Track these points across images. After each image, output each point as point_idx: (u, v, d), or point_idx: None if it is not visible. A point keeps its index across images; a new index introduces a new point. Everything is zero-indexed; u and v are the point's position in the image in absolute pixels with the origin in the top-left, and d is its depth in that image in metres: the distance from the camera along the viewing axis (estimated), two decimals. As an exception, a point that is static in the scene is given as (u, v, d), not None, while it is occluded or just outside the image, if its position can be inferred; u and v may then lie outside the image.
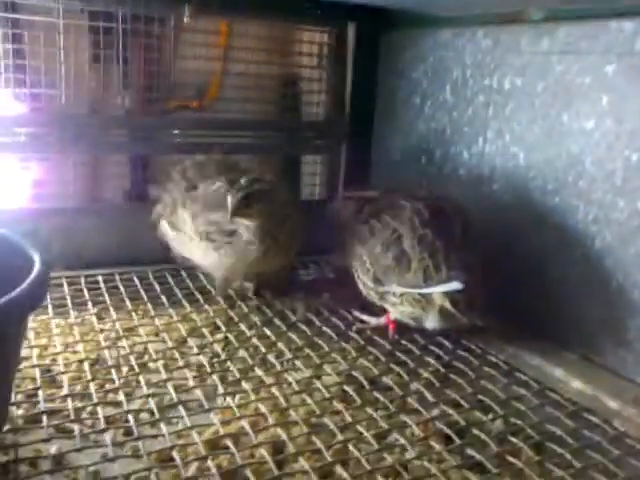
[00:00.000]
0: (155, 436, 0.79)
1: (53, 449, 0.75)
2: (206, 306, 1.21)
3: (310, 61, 1.58)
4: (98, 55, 1.35)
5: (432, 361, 1.04)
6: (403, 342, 1.11)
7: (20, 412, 0.82)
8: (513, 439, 0.83)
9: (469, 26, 1.26)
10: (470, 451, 0.80)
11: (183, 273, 1.34)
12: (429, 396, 0.92)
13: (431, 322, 1.05)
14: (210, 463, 0.74)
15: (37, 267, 0.69)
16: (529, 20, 1.13)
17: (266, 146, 1.55)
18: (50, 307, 1.12)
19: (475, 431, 0.84)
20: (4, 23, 1.23)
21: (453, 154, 1.32)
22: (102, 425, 0.80)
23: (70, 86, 1.28)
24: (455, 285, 0.99)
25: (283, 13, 1.46)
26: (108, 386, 0.91)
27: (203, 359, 1.00)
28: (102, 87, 1.46)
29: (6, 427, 0.77)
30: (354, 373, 0.98)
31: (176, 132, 1.43)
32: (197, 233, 1.16)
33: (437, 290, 1.00)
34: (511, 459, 0.78)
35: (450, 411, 0.88)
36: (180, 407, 0.86)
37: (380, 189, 1.24)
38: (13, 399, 0.83)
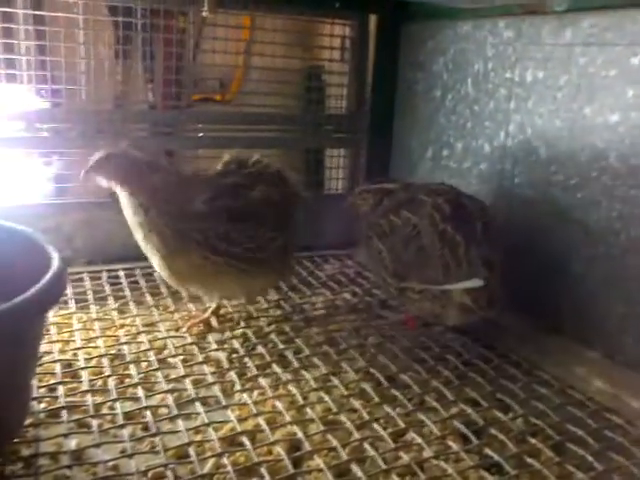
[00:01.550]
0: (173, 432, 0.80)
1: (73, 444, 0.76)
2: (225, 301, 1.21)
3: (333, 54, 1.58)
4: (120, 50, 1.36)
5: (451, 358, 1.03)
6: (422, 339, 1.10)
7: (42, 406, 0.84)
8: (532, 439, 0.82)
9: (490, 17, 1.23)
10: (488, 451, 0.79)
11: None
12: (448, 394, 0.92)
13: (451, 319, 1.04)
14: (226, 460, 0.74)
15: (54, 265, 0.70)
16: (552, 10, 1.11)
17: (289, 140, 1.55)
18: (72, 302, 1.14)
19: (494, 431, 0.83)
20: (26, 19, 1.25)
21: (474, 148, 1.30)
22: (121, 420, 0.81)
23: (91, 81, 1.29)
24: (476, 282, 0.98)
25: (303, 6, 1.45)
26: (127, 381, 0.92)
27: (221, 355, 1.00)
28: (125, 82, 1.47)
29: (28, 421, 0.79)
30: (372, 370, 0.98)
31: (199, 126, 1.43)
32: None
33: (457, 287, 0.99)
34: (530, 460, 0.77)
35: (469, 410, 0.87)
36: (198, 403, 0.86)
37: (399, 181, 1.23)
38: (35, 393, 0.85)
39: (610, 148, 1.02)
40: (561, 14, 1.09)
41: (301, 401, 0.88)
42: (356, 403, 0.88)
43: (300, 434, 0.80)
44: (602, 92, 1.02)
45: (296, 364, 0.99)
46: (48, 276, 0.66)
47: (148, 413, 0.83)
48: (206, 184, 1.05)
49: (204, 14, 1.29)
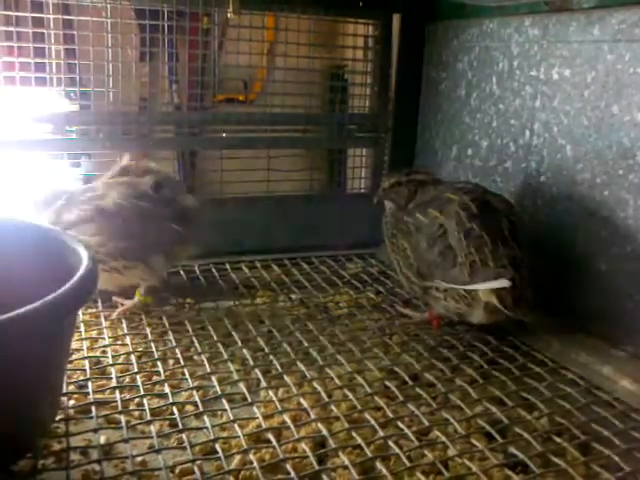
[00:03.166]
0: (199, 428, 0.81)
1: (102, 439, 0.78)
2: (250, 300, 1.22)
3: (356, 54, 1.58)
4: (146, 53, 1.38)
5: (476, 357, 1.03)
6: (447, 337, 1.10)
7: (72, 402, 0.86)
8: (558, 439, 0.81)
9: (516, 15, 1.22)
10: (513, 450, 0.78)
11: (228, 267, 1.36)
12: (472, 393, 0.91)
13: (476, 318, 1.04)
14: (252, 456, 0.75)
15: (84, 264, 0.71)
16: (579, 7, 1.10)
17: (313, 140, 1.56)
18: (100, 300, 1.16)
19: (518, 429, 0.83)
20: (56, 24, 1.27)
21: (499, 146, 1.29)
22: (148, 417, 0.82)
23: (118, 84, 1.31)
24: (502, 282, 0.97)
25: (326, 6, 1.45)
26: (155, 378, 0.93)
27: (247, 353, 1.01)
28: (151, 84, 1.49)
29: (59, 417, 0.81)
30: (396, 369, 0.98)
31: (223, 127, 1.44)
32: None
33: (483, 287, 0.99)
34: (555, 459, 0.77)
35: (493, 409, 0.87)
36: (224, 400, 0.87)
37: (427, 170, 1.22)
38: (65, 390, 0.86)
39: (637, 146, 1.00)
40: (588, 11, 1.08)
41: (326, 399, 0.88)
42: (380, 401, 0.89)
43: (325, 431, 0.80)
44: (630, 89, 1.01)
45: (321, 362, 0.99)
46: (79, 275, 0.68)
47: (175, 410, 0.84)
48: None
49: (228, 15, 1.30)
